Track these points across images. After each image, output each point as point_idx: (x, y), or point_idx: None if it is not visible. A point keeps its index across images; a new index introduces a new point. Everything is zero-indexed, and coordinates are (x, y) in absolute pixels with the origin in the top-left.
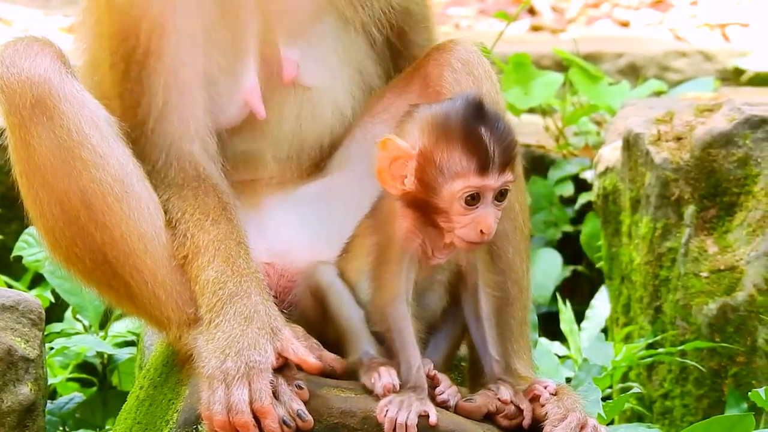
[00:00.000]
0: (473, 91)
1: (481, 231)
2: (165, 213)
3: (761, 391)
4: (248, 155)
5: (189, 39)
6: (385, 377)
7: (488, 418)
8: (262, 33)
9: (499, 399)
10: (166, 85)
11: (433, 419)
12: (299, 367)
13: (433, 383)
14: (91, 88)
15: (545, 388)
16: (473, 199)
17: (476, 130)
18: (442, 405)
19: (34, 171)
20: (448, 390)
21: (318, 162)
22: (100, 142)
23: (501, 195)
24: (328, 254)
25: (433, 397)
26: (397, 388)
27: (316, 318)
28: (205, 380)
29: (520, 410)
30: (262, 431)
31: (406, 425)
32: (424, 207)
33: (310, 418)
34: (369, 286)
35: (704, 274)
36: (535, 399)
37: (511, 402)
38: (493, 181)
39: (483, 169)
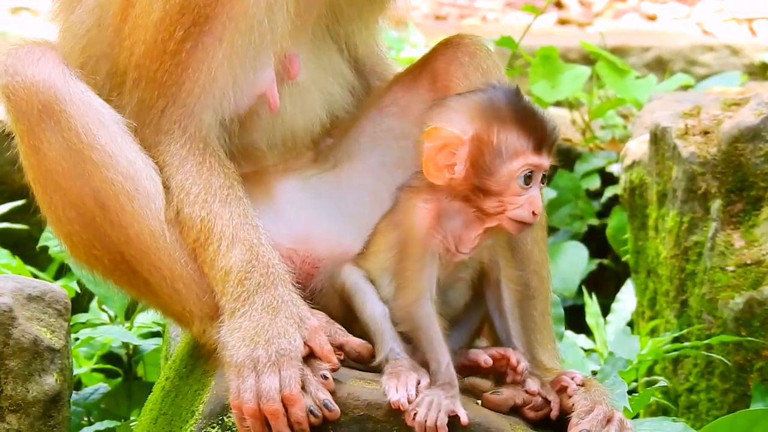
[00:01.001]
0: (503, 81)
1: (533, 212)
2: (166, 192)
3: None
4: (245, 146)
5: (238, 23)
6: (401, 392)
7: (515, 410)
8: (283, 30)
9: (526, 391)
10: (211, 59)
11: (464, 419)
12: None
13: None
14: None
15: (572, 379)
16: (529, 178)
17: (529, 110)
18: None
19: (47, 177)
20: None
21: (312, 150)
22: (108, 142)
23: (544, 177)
24: (348, 241)
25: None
26: (412, 399)
27: (342, 317)
28: (234, 369)
29: (547, 402)
30: (290, 420)
31: (436, 426)
32: (472, 194)
33: (336, 408)
34: (392, 285)
35: (730, 268)
36: (562, 390)
37: (538, 394)
38: (546, 160)
39: (539, 147)
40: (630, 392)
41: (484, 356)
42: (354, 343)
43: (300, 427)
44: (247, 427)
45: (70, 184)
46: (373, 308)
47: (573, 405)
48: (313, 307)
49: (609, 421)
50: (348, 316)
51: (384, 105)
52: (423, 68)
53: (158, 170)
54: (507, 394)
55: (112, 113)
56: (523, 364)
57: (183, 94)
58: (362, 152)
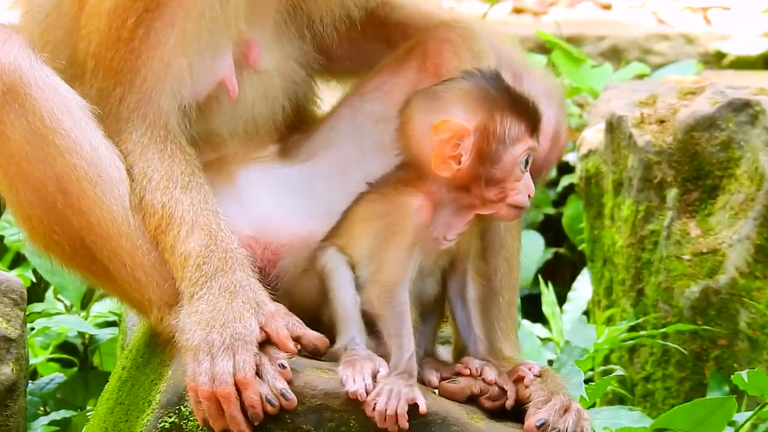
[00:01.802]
0: (484, 65)
1: (529, 195)
2: (129, 179)
3: (743, 373)
4: (207, 133)
5: (189, 9)
6: (358, 382)
7: (472, 399)
8: (237, 16)
9: (483, 380)
10: (164, 45)
11: (422, 408)
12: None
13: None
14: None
15: (530, 369)
16: (526, 162)
17: (520, 94)
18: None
19: (9, 160)
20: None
21: (277, 138)
22: (73, 127)
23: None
24: (313, 228)
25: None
26: (369, 389)
27: (315, 300)
28: (190, 352)
29: (503, 391)
30: (244, 404)
31: (396, 415)
32: (473, 184)
33: (293, 396)
34: (370, 267)
35: (686, 257)
36: (519, 380)
37: (495, 383)
38: (536, 142)
39: (533, 129)
40: (586, 381)
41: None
42: (311, 335)
43: (253, 411)
44: (203, 410)
45: (32, 168)
46: (345, 294)
47: (530, 395)
48: (273, 297)
49: (566, 411)
50: (321, 299)
51: (366, 90)
52: (412, 50)
53: (122, 158)
54: (464, 383)
55: (77, 99)
56: (490, 376)
57: (138, 81)
58: (339, 138)
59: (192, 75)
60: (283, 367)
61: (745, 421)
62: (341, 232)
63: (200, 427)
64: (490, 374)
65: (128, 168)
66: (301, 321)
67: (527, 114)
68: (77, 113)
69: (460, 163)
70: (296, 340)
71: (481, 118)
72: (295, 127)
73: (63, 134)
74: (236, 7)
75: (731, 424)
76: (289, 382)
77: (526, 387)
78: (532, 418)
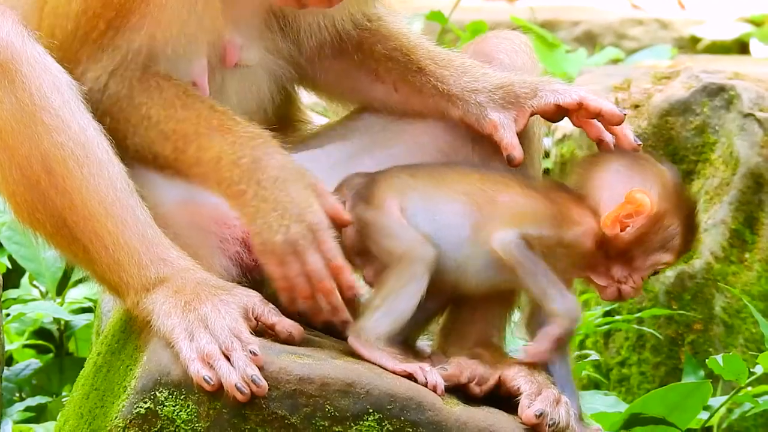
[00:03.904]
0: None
1: (631, 295)
2: (131, 132)
3: (718, 358)
4: None
5: (165, 17)
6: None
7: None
8: (212, 19)
9: (472, 368)
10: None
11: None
12: (256, 333)
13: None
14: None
15: (517, 360)
16: (655, 272)
17: (696, 222)
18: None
19: None
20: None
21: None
22: (61, 107)
23: None
24: None
25: None
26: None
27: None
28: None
29: (489, 376)
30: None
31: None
32: (614, 253)
33: (264, 383)
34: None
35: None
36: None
37: (482, 373)
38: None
39: (681, 254)
40: None
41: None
42: (286, 323)
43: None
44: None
45: (18, 144)
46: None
47: (518, 388)
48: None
49: (557, 402)
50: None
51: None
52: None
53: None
54: (452, 371)
55: (67, 78)
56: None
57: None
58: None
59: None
60: (255, 354)
61: (721, 406)
62: (496, 212)
63: (174, 412)
64: (477, 364)
65: (124, 124)
66: (276, 309)
67: (691, 238)
68: (67, 93)
69: (624, 231)
70: (270, 327)
71: (664, 210)
72: (287, 120)
73: (52, 113)
74: (210, 11)
75: (706, 408)
76: (262, 368)
77: (512, 380)
78: (530, 409)
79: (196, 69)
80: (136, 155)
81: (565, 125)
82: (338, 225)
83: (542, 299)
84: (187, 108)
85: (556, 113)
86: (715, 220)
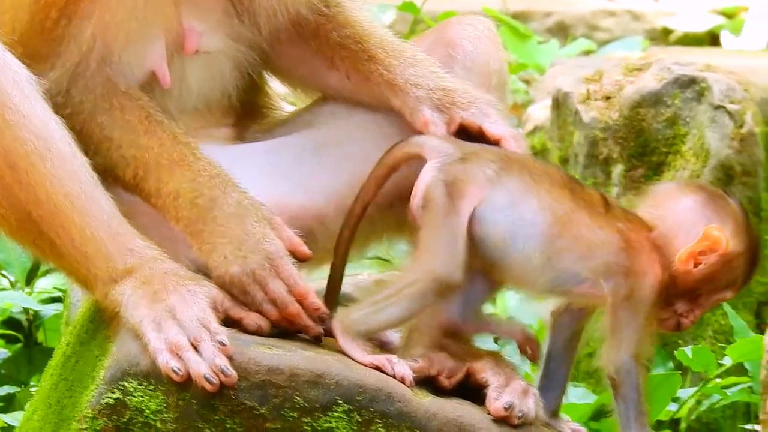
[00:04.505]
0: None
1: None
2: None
3: (687, 350)
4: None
5: (115, 3)
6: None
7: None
8: (166, 6)
9: (441, 361)
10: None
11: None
12: (225, 324)
13: None
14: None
15: (485, 352)
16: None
17: (760, 258)
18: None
19: None
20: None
21: (230, 116)
22: (22, 102)
23: None
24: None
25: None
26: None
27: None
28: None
29: (458, 369)
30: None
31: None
32: (682, 290)
33: (233, 373)
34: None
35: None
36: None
37: (451, 366)
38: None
39: (741, 289)
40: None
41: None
42: (254, 315)
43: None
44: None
45: None
46: None
47: (486, 380)
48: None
49: (526, 394)
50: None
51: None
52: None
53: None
54: (422, 363)
55: (26, 74)
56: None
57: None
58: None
59: (121, 64)
60: (223, 344)
61: (689, 397)
62: (575, 246)
63: (143, 403)
64: (446, 357)
65: (86, 140)
66: (240, 304)
67: (752, 275)
68: (27, 88)
69: (696, 267)
70: (239, 319)
71: (736, 249)
72: (253, 106)
73: (12, 108)
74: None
75: (675, 399)
76: (231, 359)
77: (481, 371)
78: (499, 401)
79: (154, 56)
80: (98, 173)
81: (538, 116)
82: (296, 258)
83: (621, 426)
84: (150, 135)
85: (478, 133)
86: None
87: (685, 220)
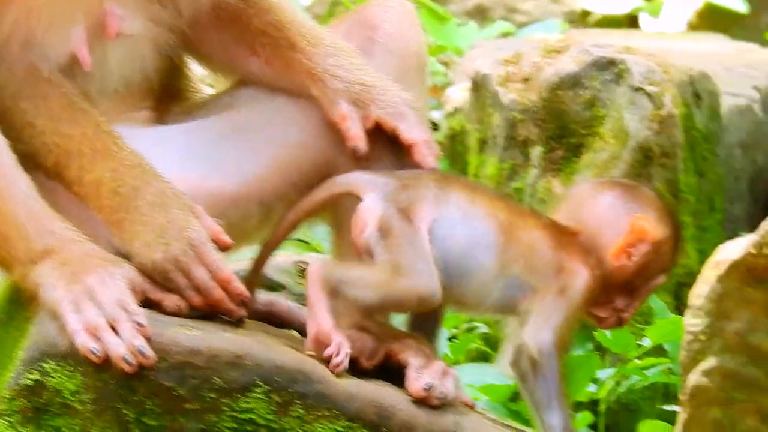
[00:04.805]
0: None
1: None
2: (14, 135)
3: (606, 331)
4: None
5: None
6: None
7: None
8: None
9: (361, 342)
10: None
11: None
12: (145, 304)
13: None
14: None
15: (405, 333)
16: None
17: (682, 238)
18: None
19: None
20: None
21: (150, 99)
22: None
23: None
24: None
25: None
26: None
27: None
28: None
29: (378, 350)
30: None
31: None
32: (619, 285)
33: (151, 354)
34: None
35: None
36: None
37: (371, 347)
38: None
39: (670, 272)
40: (450, 338)
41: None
42: (174, 296)
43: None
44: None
45: None
46: None
47: (406, 361)
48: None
49: (445, 374)
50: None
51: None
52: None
53: None
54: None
55: None
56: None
57: None
58: (237, 102)
59: (43, 47)
60: (141, 325)
61: (609, 378)
62: (519, 250)
63: (61, 384)
64: (367, 337)
65: (8, 126)
66: (158, 285)
67: (678, 256)
68: None
69: (630, 259)
70: (158, 301)
71: (663, 235)
72: (173, 89)
73: None
74: None
75: (594, 380)
76: (149, 339)
77: (401, 352)
78: (419, 382)
79: (75, 40)
80: (21, 159)
81: (456, 98)
82: (218, 246)
83: (540, 408)
84: (72, 123)
85: (392, 134)
86: None
87: (609, 217)
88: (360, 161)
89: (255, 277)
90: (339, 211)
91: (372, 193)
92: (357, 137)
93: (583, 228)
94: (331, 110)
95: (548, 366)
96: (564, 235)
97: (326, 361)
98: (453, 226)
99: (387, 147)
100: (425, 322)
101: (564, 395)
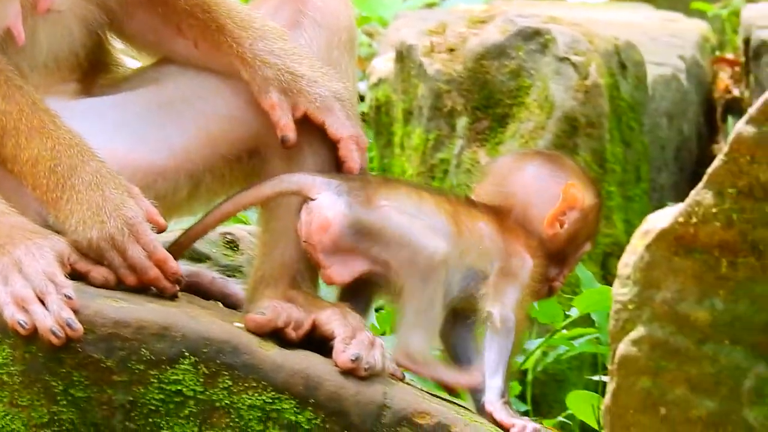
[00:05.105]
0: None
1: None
2: None
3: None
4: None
5: None
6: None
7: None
8: None
9: (287, 313)
10: None
11: None
12: (73, 276)
13: None
14: None
15: (331, 304)
16: None
17: (602, 205)
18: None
19: None
20: None
21: (77, 73)
22: None
23: None
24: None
25: None
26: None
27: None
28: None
29: (305, 321)
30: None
31: None
32: (549, 255)
33: (79, 326)
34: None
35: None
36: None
37: (298, 317)
38: None
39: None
40: (377, 310)
41: None
42: (102, 269)
43: None
44: None
45: None
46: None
47: (333, 332)
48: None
49: (372, 345)
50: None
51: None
52: None
53: None
54: (270, 315)
55: None
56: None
57: None
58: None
59: None
60: (69, 297)
61: (536, 348)
62: (472, 240)
63: None
64: (294, 307)
65: None
66: (86, 258)
67: (600, 223)
68: None
69: (562, 227)
70: (86, 273)
71: (591, 201)
72: (99, 64)
73: None
74: None
75: (522, 351)
76: (77, 312)
77: (326, 324)
78: (346, 353)
79: (10, 14)
80: None
81: (381, 69)
82: (154, 229)
83: (488, 370)
84: (8, 100)
85: (320, 128)
86: None
87: (537, 188)
88: (290, 149)
89: (177, 255)
90: (271, 205)
91: (325, 192)
92: (286, 127)
93: (512, 202)
94: (261, 98)
95: (505, 335)
96: (501, 217)
97: None
98: (412, 218)
99: (317, 135)
100: (358, 294)
101: (510, 367)
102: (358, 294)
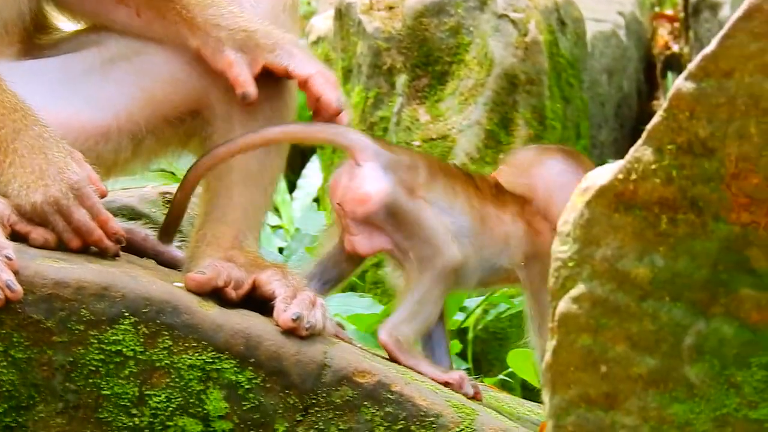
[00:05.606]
0: None
1: None
2: None
3: None
4: None
5: None
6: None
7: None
8: None
9: (228, 272)
10: None
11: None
12: (13, 237)
13: None
14: None
15: (271, 264)
16: None
17: None
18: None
19: None
20: None
21: (22, 36)
22: None
23: None
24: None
25: None
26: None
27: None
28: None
29: (245, 280)
30: None
31: None
32: None
33: (19, 288)
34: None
35: (417, 143)
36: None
37: (238, 277)
38: None
39: None
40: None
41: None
42: (41, 229)
43: None
44: None
45: None
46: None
47: (273, 291)
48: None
49: (313, 305)
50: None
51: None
52: None
53: None
54: (211, 274)
55: None
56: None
57: None
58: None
59: None
60: (10, 258)
61: (476, 307)
62: (493, 240)
63: None
64: (234, 267)
65: None
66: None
67: None
68: None
69: None
70: (25, 235)
71: None
72: (40, 27)
73: None
74: None
75: (462, 309)
76: (17, 273)
77: (267, 284)
78: (287, 313)
79: None
80: None
81: (320, 27)
82: (97, 193)
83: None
84: None
85: (284, 75)
86: (470, 121)
87: (558, 182)
88: (247, 106)
89: (171, 229)
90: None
91: (371, 162)
92: (246, 83)
93: (533, 194)
94: (216, 59)
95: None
96: (526, 207)
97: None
98: (440, 214)
99: (273, 92)
100: (338, 265)
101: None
102: (338, 265)
